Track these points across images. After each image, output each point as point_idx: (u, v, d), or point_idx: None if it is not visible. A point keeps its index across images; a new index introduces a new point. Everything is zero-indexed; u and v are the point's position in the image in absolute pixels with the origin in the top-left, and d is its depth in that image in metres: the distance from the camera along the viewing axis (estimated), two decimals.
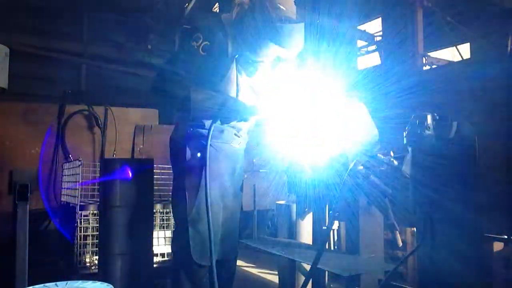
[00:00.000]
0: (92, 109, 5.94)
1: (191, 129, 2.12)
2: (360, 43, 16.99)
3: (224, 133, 2.16)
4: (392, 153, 1.85)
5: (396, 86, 3.31)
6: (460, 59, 9.21)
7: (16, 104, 5.73)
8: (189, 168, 2.08)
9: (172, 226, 3.86)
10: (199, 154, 2.06)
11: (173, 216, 2.43)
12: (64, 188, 4.51)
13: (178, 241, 2.19)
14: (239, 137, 2.24)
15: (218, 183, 2.12)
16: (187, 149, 2.09)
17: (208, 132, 2.01)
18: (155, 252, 3.24)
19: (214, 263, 1.92)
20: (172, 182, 2.29)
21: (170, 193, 2.35)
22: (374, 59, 15.76)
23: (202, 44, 1.97)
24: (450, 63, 8.36)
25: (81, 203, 3.90)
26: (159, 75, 2.07)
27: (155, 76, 2.09)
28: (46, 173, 5.56)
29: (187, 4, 13.32)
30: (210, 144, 2.05)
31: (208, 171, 1.98)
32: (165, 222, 3.97)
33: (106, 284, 2.22)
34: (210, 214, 1.92)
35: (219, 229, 2.11)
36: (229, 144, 2.22)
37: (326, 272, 2.24)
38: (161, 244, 3.82)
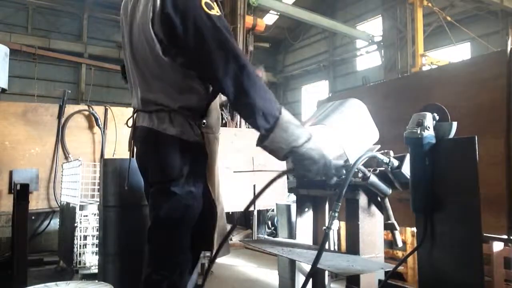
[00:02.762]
0: (92, 109, 5.95)
1: (206, 126, 1.73)
2: (360, 43, 17.00)
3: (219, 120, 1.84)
4: (392, 153, 1.85)
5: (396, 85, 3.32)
6: (460, 59, 9.20)
7: (16, 104, 5.73)
8: (206, 171, 1.73)
9: None
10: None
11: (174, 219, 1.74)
12: (64, 188, 4.51)
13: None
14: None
15: (217, 179, 1.84)
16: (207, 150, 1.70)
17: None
18: None
19: None
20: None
21: None
22: (374, 59, 15.76)
23: None
24: (450, 63, 8.37)
25: (81, 203, 3.90)
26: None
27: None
28: (46, 173, 5.57)
29: None
30: (213, 137, 1.77)
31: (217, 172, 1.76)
32: None
33: (106, 284, 2.22)
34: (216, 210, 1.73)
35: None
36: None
37: (326, 272, 2.24)
38: None
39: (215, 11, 1.55)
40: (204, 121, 1.69)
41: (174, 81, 1.64)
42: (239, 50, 1.56)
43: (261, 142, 1.54)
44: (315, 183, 2.14)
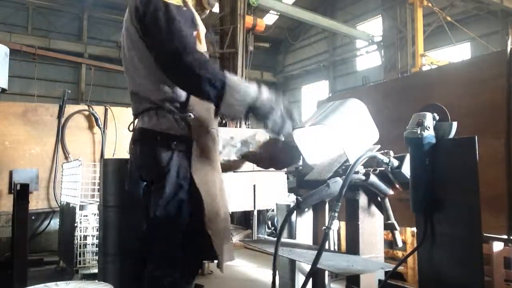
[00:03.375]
0: (92, 109, 5.95)
1: (194, 119, 1.74)
2: (360, 43, 17.00)
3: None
4: (392, 153, 1.85)
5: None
6: (460, 59, 9.21)
7: (16, 104, 5.73)
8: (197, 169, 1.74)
9: None
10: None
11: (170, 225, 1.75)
12: (64, 188, 4.51)
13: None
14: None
15: (214, 177, 1.82)
16: (195, 144, 1.73)
17: None
18: None
19: None
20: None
21: None
22: (374, 59, 15.75)
23: None
24: (450, 63, 8.37)
25: (81, 203, 3.90)
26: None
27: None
28: (46, 173, 5.57)
29: None
30: (204, 131, 1.79)
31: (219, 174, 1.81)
32: None
33: (106, 284, 2.22)
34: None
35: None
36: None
37: (326, 272, 2.24)
38: None
39: (175, 1, 1.67)
40: (190, 114, 1.72)
41: (155, 74, 1.70)
42: (187, 34, 1.64)
43: (219, 110, 1.61)
44: (316, 184, 2.14)
